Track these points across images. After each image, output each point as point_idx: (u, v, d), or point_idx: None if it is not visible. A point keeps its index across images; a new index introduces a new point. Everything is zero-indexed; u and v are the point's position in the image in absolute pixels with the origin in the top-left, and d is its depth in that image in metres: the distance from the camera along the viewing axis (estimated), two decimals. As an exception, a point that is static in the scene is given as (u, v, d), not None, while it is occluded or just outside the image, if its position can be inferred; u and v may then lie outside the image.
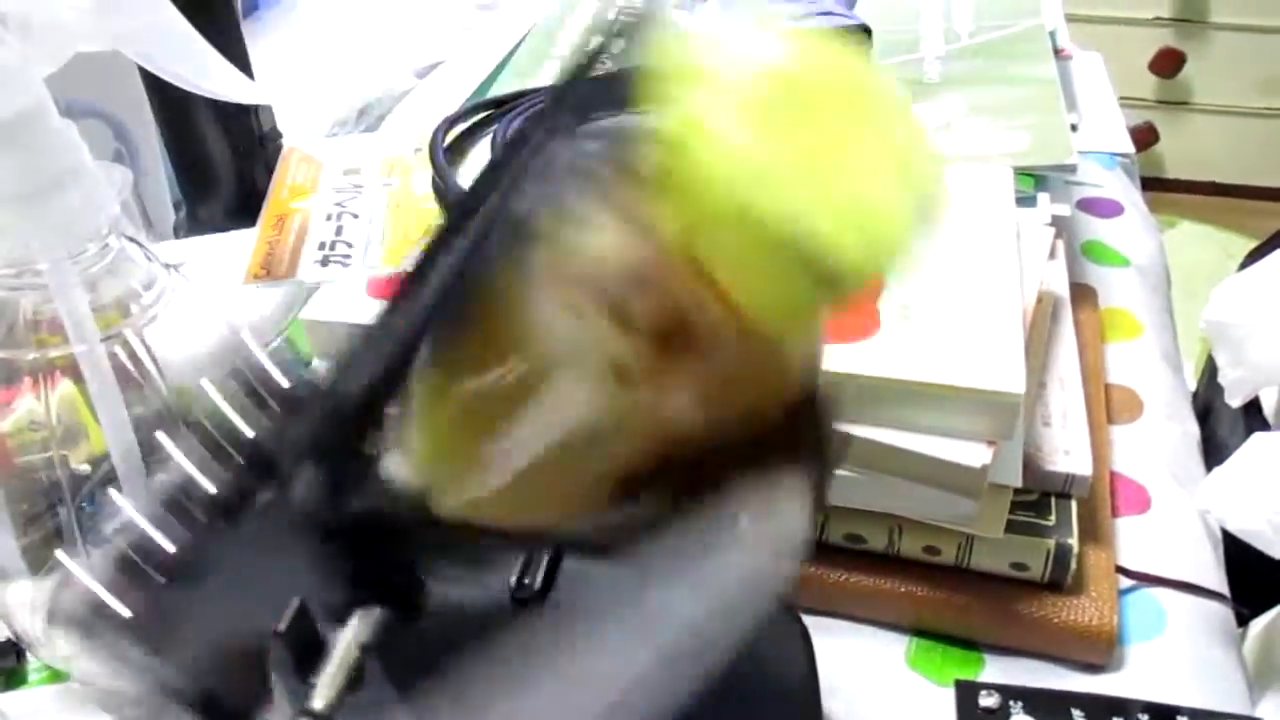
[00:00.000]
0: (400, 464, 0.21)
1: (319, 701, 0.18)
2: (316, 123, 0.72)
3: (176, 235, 0.64)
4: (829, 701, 0.36)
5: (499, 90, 0.64)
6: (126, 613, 0.23)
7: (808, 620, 0.37)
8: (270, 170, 0.59)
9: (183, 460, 0.25)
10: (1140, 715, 0.33)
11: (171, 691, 0.24)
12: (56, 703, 0.42)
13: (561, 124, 0.23)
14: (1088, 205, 0.68)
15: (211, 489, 0.24)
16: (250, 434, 0.26)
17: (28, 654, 0.42)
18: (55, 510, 0.40)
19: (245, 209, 0.59)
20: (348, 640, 0.18)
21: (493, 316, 0.20)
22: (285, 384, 0.28)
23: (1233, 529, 0.45)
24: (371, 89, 0.75)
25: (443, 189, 0.50)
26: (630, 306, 0.20)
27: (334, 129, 0.72)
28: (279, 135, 0.64)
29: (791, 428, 0.23)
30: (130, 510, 0.24)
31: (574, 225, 0.19)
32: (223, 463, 0.25)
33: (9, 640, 0.42)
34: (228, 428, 0.26)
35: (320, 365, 0.31)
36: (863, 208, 0.19)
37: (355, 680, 0.18)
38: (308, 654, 0.19)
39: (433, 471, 0.21)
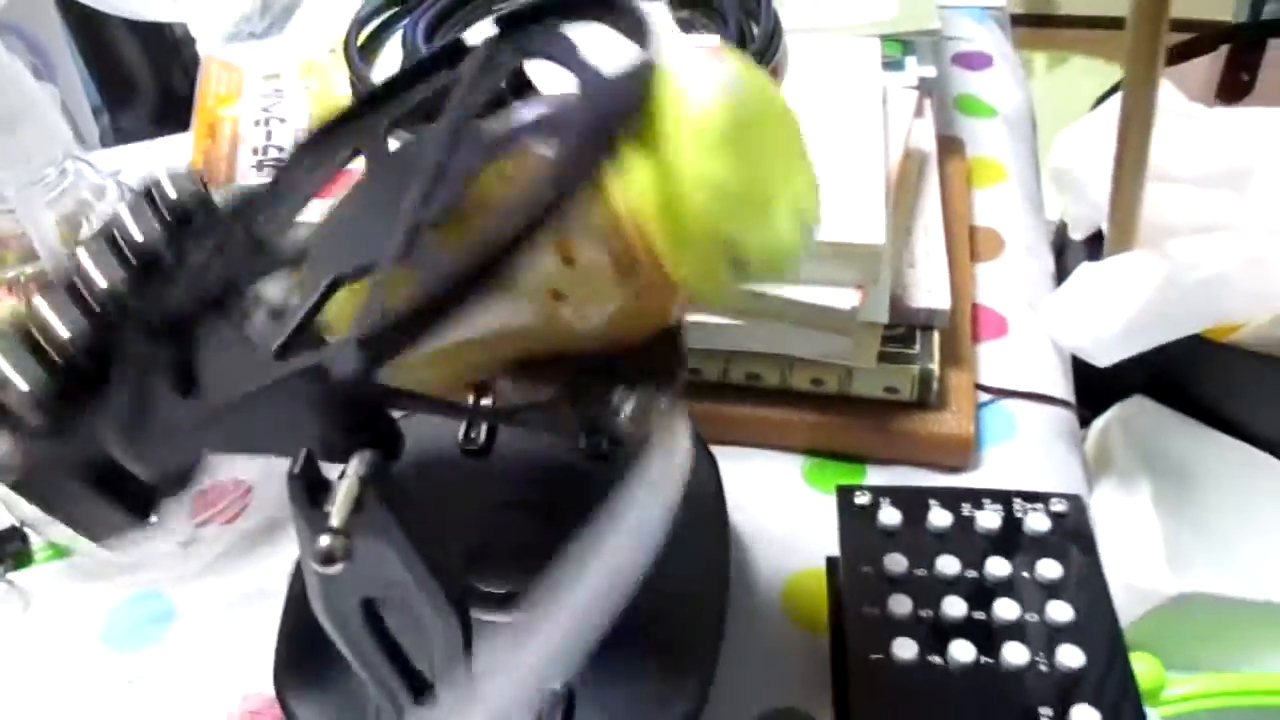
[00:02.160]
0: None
1: (336, 520, 0.23)
2: (221, 21, 0.73)
3: (103, 144, 0.66)
4: (735, 515, 0.41)
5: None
6: (24, 385, 0.25)
7: (715, 449, 0.42)
8: (187, 74, 0.61)
9: (83, 258, 0.28)
10: (984, 499, 0.40)
11: (69, 463, 0.26)
12: (62, 576, 0.47)
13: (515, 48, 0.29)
14: (962, 60, 0.72)
15: (102, 282, 0.28)
16: (140, 238, 0.29)
17: (32, 537, 0.47)
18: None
19: (167, 115, 0.62)
20: (352, 474, 0.24)
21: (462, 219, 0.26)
22: (174, 196, 0.31)
23: (1064, 345, 0.51)
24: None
25: (361, 90, 0.54)
26: (580, 250, 0.26)
27: (239, 24, 0.74)
28: (193, 41, 0.66)
29: (659, 345, 0.30)
30: (39, 303, 0.26)
31: (555, 174, 0.25)
32: (121, 263, 0.28)
33: (13, 526, 0.47)
34: (125, 232, 0.29)
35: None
36: (776, 231, 0.27)
37: (359, 505, 0.24)
38: (315, 490, 0.25)
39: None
